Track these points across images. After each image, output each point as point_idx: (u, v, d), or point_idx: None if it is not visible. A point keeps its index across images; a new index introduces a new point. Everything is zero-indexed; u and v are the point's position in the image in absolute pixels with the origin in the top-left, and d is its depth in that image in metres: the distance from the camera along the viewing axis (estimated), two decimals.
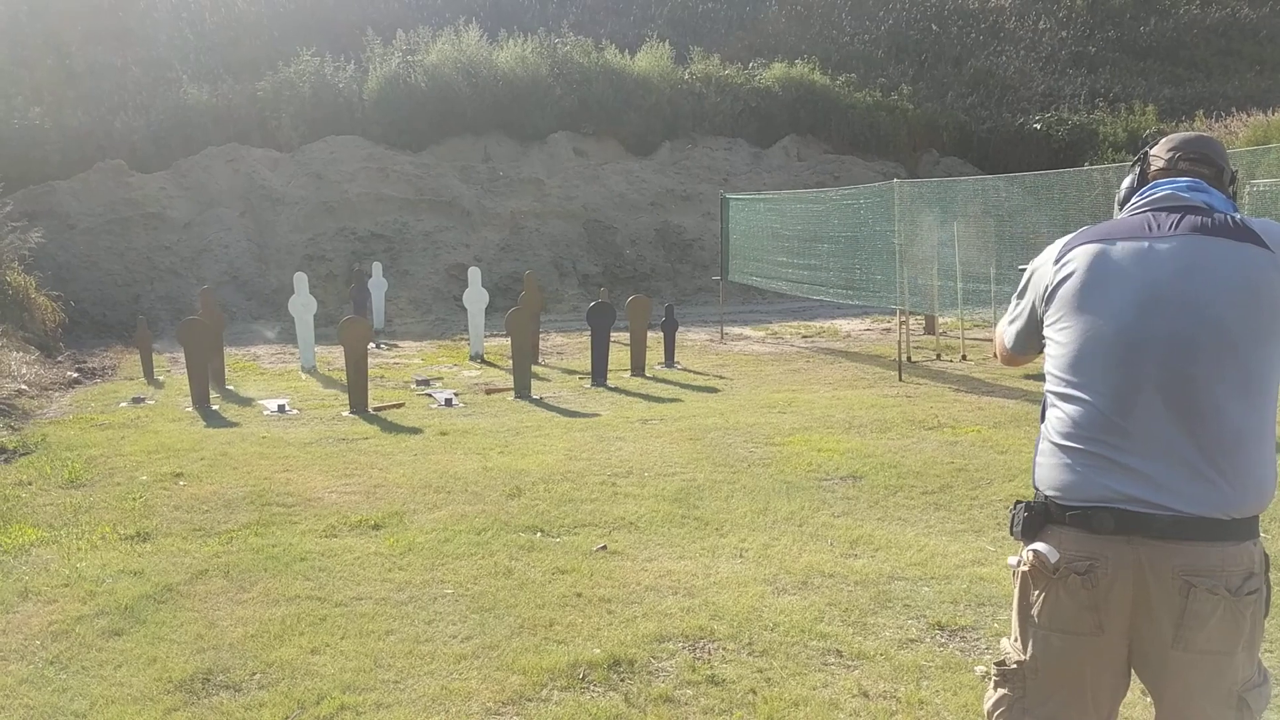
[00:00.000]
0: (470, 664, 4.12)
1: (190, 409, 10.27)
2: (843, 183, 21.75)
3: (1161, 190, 2.32)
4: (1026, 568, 2.26)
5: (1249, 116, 25.07)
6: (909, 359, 12.16)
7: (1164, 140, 2.43)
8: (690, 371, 12.50)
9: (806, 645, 4.26)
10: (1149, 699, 2.33)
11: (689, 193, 23.32)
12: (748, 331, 16.48)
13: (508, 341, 14.47)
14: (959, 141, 26.39)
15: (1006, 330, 2.59)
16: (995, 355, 2.69)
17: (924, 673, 3.99)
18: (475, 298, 14.00)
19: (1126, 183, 2.44)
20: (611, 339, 15.53)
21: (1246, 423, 2.10)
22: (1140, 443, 2.13)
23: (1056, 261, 2.34)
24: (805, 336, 15.82)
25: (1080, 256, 2.30)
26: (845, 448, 7.76)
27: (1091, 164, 20.95)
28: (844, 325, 17.00)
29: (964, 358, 12.73)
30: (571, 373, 12.58)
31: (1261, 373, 2.11)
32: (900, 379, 11.24)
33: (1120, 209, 2.43)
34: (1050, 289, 2.34)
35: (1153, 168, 2.39)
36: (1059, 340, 2.30)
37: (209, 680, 4.02)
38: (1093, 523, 2.15)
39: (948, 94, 27.65)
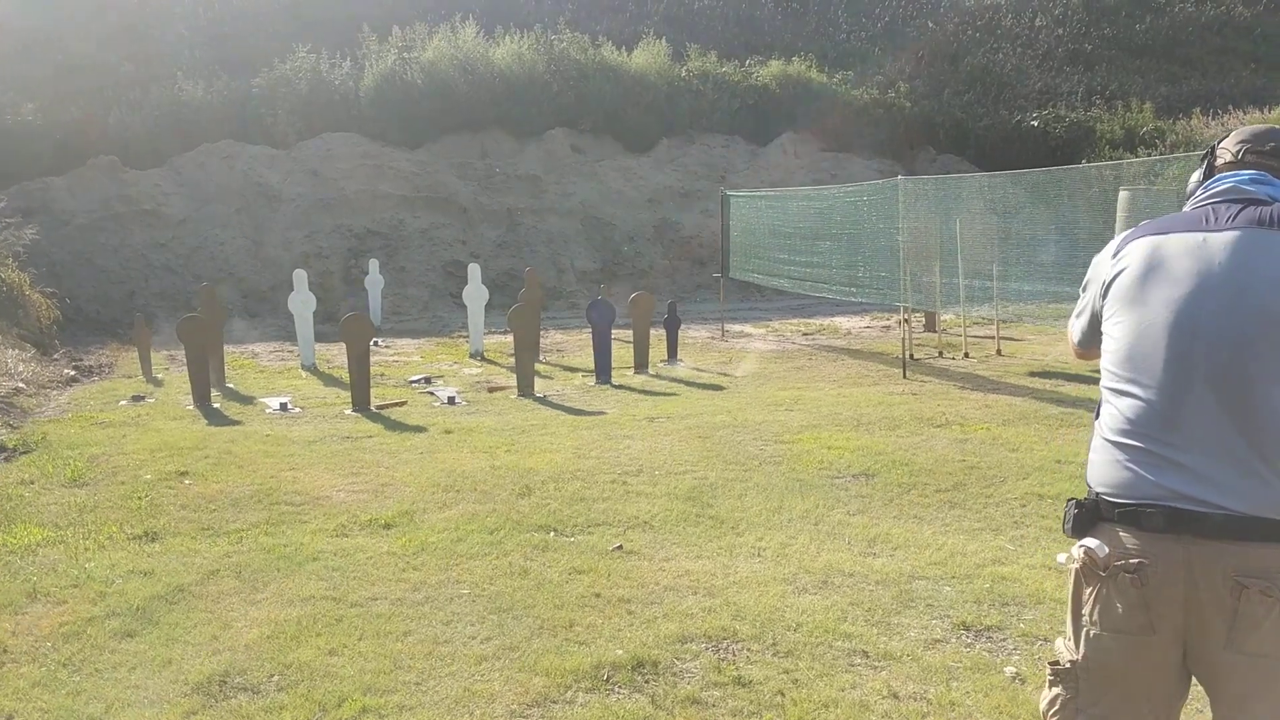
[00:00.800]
0: (492, 665, 4.06)
1: (191, 407, 10.19)
2: (840, 180, 21.70)
3: (1224, 183, 2.28)
4: (1077, 565, 2.22)
5: (1245, 114, 25.10)
6: (912, 356, 12.11)
7: (1233, 134, 2.38)
8: (694, 369, 12.43)
9: (831, 646, 4.20)
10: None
11: (687, 190, 23.25)
12: (749, 329, 16.43)
13: (506, 339, 14.44)
14: (956, 139, 26.32)
15: (1073, 325, 2.55)
16: (1070, 349, 2.65)
17: (953, 674, 3.94)
18: (475, 294, 13.92)
19: (1195, 177, 2.40)
20: (612, 336, 15.50)
21: None
22: (1192, 439, 2.09)
23: (1115, 255, 2.32)
24: (806, 334, 15.77)
25: (1136, 250, 2.27)
26: (855, 445, 7.71)
27: (1089, 161, 20.95)
28: (844, 323, 16.96)
29: (966, 355, 12.68)
30: (573, 370, 12.52)
31: None
32: (905, 376, 11.19)
33: (1188, 203, 2.38)
34: (1107, 284, 2.32)
35: (1220, 161, 2.35)
36: (1113, 335, 2.27)
37: (226, 682, 3.95)
38: (1142, 521, 2.11)
39: (944, 91, 27.59)
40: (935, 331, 14.55)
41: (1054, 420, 8.55)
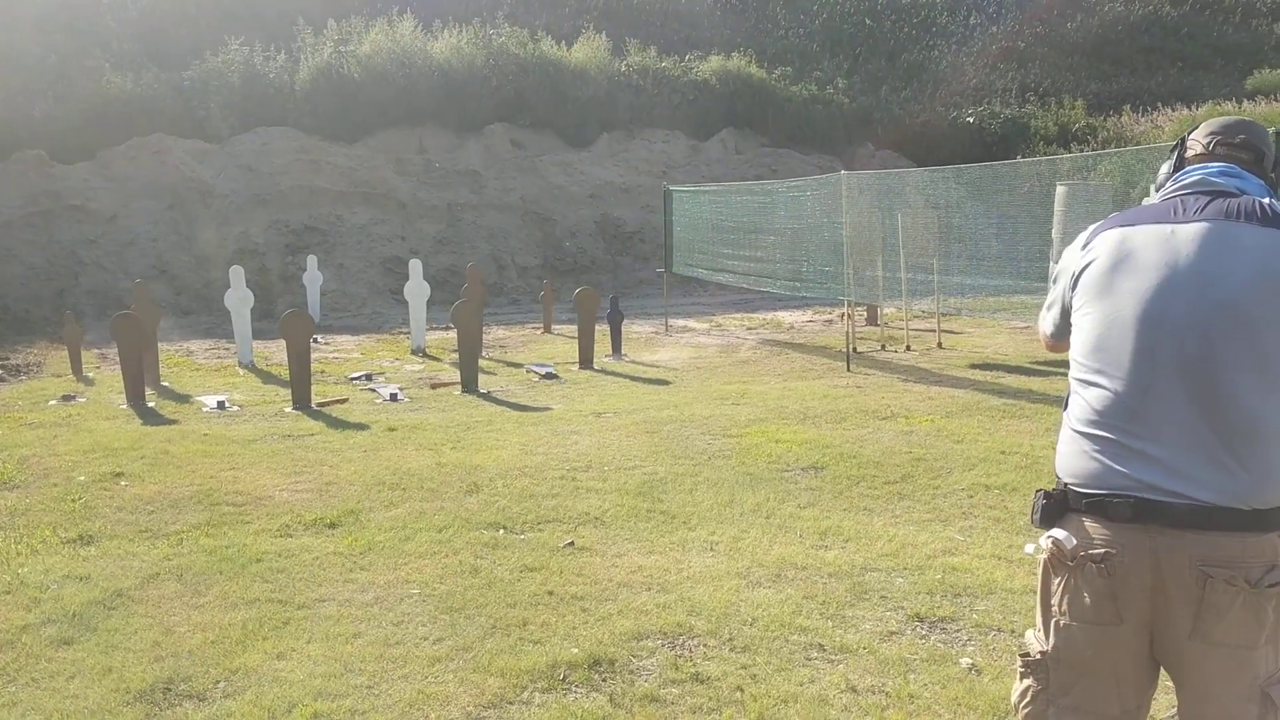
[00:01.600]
0: (445, 666, 3.98)
1: (125, 406, 9.92)
2: (780, 175, 21.81)
3: (1192, 175, 2.29)
4: (1045, 555, 2.23)
5: (1174, 111, 25.67)
6: (855, 350, 12.19)
7: (1204, 125, 2.39)
8: (638, 364, 12.39)
9: (788, 640, 4.19)
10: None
11: (628, 185, 23.20)
12: (692, 323, 16.43)
13: (448, 335, 14.29)
14: (893, 134, 26.59)
15: (1044, 318, 2.55)
16: (1042, 341, 2.64)
17: (910, 666, 3.94)
18: (417, 290, 13.75)
19: (1165, 169, 2.41)
20: (555, 331, 15.42)
21: (1265, 411, 2.05)
22: (1158, 429, 2.09)
23: (1084, 247, 2.32)
24: (750, 328, 15.81)
25: (1104, 242, 2.27)
26: (803, 439, 7.72)
27: (1024, 156, 21.26)
28: (787, 317, 17.03)
29: (908, 348, 12.80)
30: (516, 366, 12.41)
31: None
32: (849, 370, 11.25)
33: (1156, 194, 2.39)
34: (1076, 275, 2.32)
35: (1190, 153, 2.36)
36: (1081, 326, 2.27)
37: (170, 690, 3.83)
38: (1109, 511, 2.12)
39: (882, 88, 27.86)
40: (878, 325, 14.67)
41: (996, 412, 8.64)
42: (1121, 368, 2.15)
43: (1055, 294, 2.46)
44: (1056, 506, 2.23)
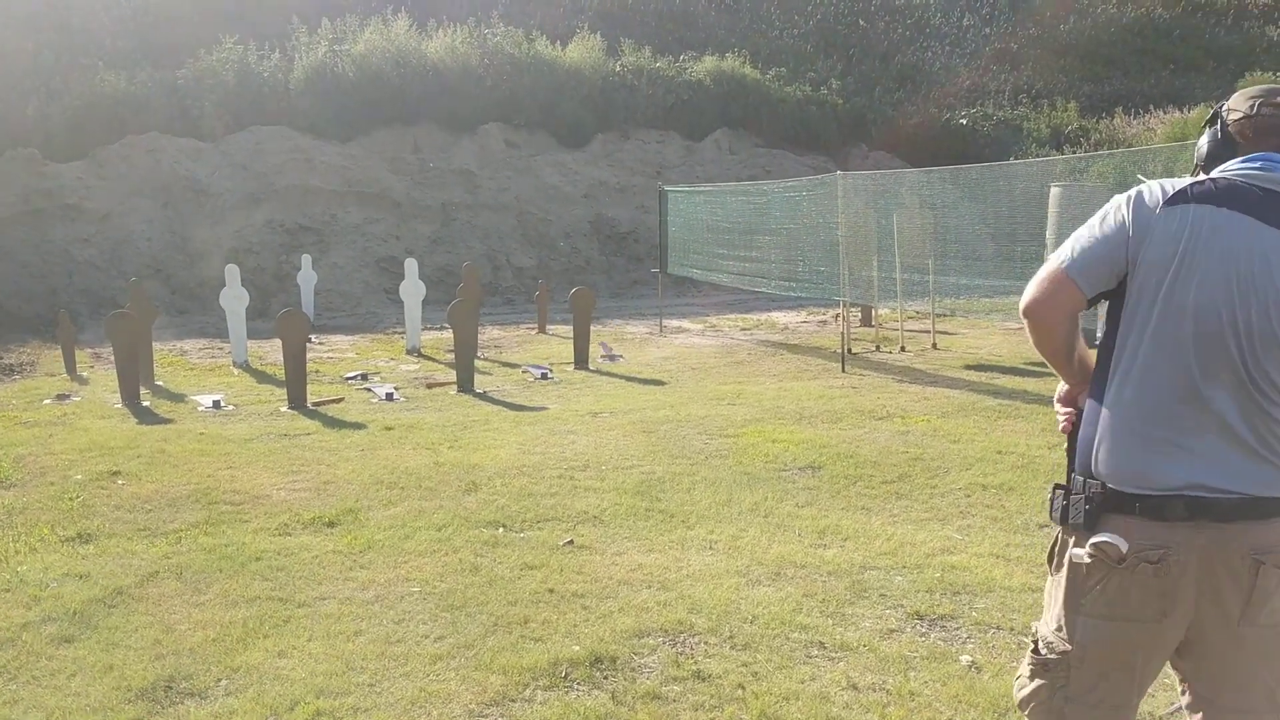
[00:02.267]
0: (447, 664, 3.99)
1: (120, 405, 9.91)
2: (774, 176, 21.83)
3: (1278, 171, 2.15)
4: (1088, 560, 2.18)
5: (1165, 113, 25.76)
6: (850, 350, 12.22)
7: (1237, 94, 2.29)
8: (634, 364, 12.40)
9: (788, 638, 4.20)
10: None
11: (623, 185, 23.22)
12: (686, 324, 16.44)
13: (443, 335, 14.29)
14: (887, 136, 26.64)
15: (1066, 256, 2.24)
16: (1022, 301, 2.34)
17: (910, 663, 3.95)
18: (412, 290, 13.75)
19: (1205, 139, 2.29)
20: (550, 332, 15.43)
21: None
22: (1209, 426, 2.11)
23: (1168, 204, 2.15)
24: (744, 329, 15.83)
25: (1193, 218, 2.13)
26: (800, 439, 7.74)
27: (1017, 158, 21.31)
28: (780, 318, 17.05)
29: (903, 349, 12.82)
30: (512, 366, 12.41)
31: None
32: (844, 370, 11.28)
33: (1204, 166, 2.28)
34: (1147, 241, 2.14)
35: (1233, 118, 2.24)
36: (1134, 310, 2.16)
37: (171, 688, 3.83)
38: (1165, 511, 2.11)
39: (875, 89, 27.92)
40: (872, 326, 14.70)
41: (992, 412, 8.67)
42: (1181, 359, 2.11)
43: (1097, 235, 2.23)
44: (1098, 508, 2.19)
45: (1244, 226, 2.11)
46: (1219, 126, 2.27)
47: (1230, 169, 2.20)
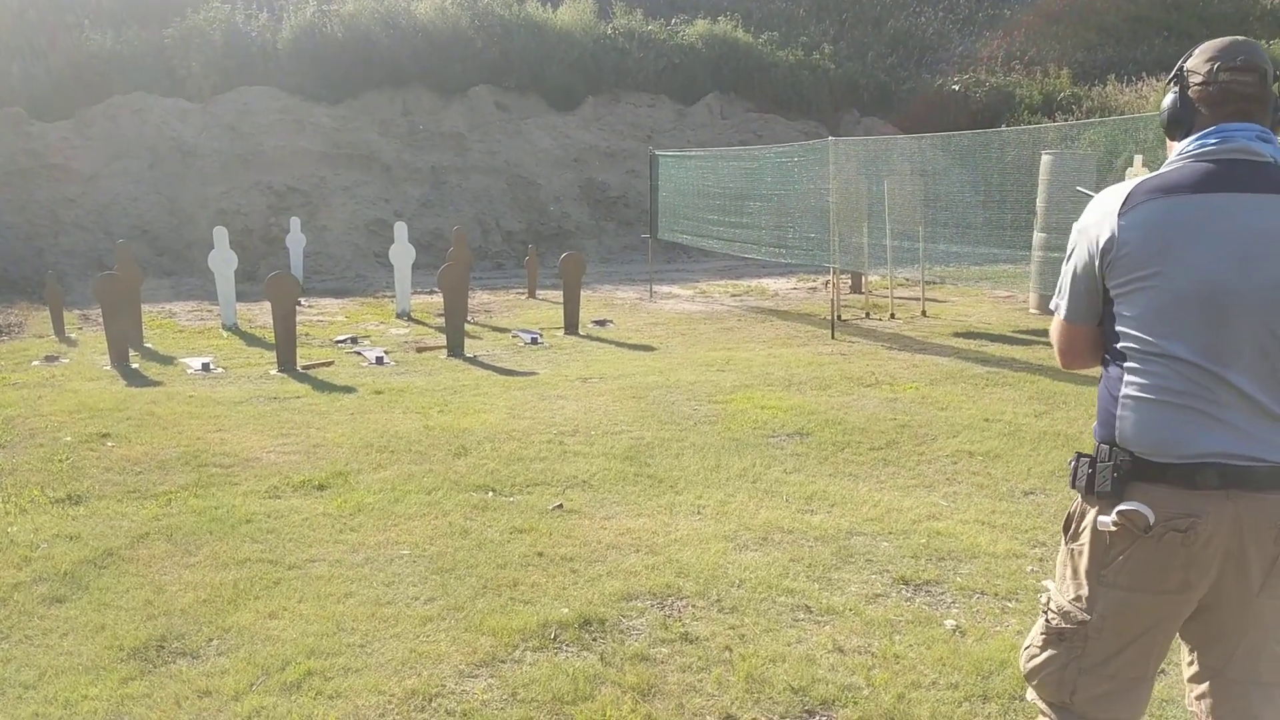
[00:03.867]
0: (437, 625, 4.03)
1: (109, 367, 9.88)
2: (765, 141, 21.75)
3: (1234, 141, 2.18)
4: (1114, 529, 2.19)
5: (1158, 80, 25.67)
6: (839, 317, 12.24)
7: (1198, 50, 2.27)
8: (623, 330, 12.40)
9: (775, 601, 4.25)
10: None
11: (613, 149, 23.10)
12: (676, 290, 16.44)
13: (433, 299, 14.27)
14: (879, 101, 26.53)
15: (1059, 307, 2.41)
16: (1059, 357, 2.50)
17: (895, 627, 4.00)
18: (402, 253, 13.70)
19: (1168, 102, 2.30)
20: (540, 296, 15.41)
21: None
22: (1235, 397, 2.11)
23: (1122, 214, 2.21)
24: (734, 295, 15.84)
25: (1152, 213, 2.18)
26: (788, 405, 7.77)
27: (1009, 125, 21.27)
28: (771, 284, 17.06)
29: (893, 316, 12.85)
30: (502, 330, 12.40)
31: None
32: (833, 337, 11.30)
33: (1168, 130, 2.31)
34: (1116, 243, 2.21)
35: (1193, 84, 2.25)
36: (1138, 298, 2.19)
37: (163, 647, 3.86)
38: (1197, 479, 2.12)
39: (868, 54, 27.75)
40: (862, 293, 14.72)
41: (980, 380, 8.71)
42: (1194, 338, 2.13)
43: (1071, 269, 2.35)
44: (1126, 477, 2.19)
45: (1220, 204, 2.14)
46: (1180, 91, 2.28)
47: (1189, 151, 2.23)
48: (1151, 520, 2.14)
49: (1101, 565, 2.24)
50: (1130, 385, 2.22)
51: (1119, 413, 2.22)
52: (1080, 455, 2.28)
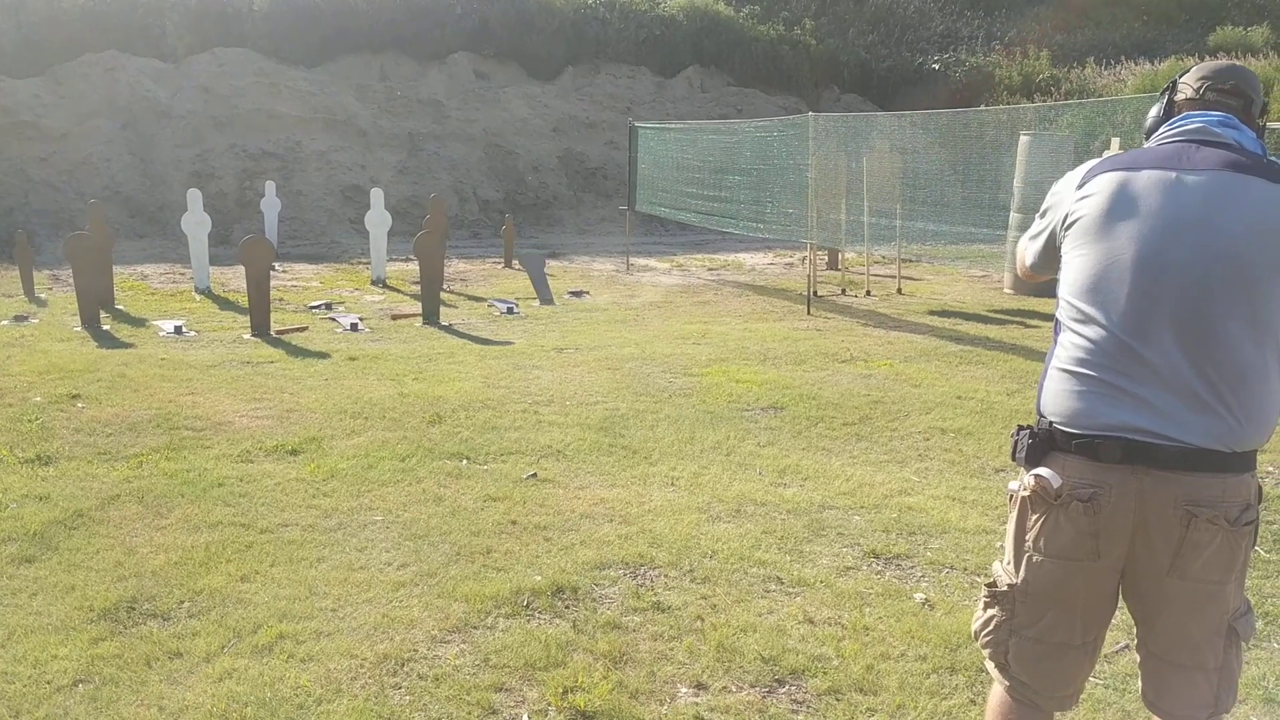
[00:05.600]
0: (410, 591, 4.03)
1: (79, 329, 9.78)
2: (745, 115, 21.69)
3: (1194, 122, 2.29)
4: (1027, 493, 2.26)
5: (1136, 64, 25.80)
6: (815, 293, 12.27)
7: (1194, 69, 2.40)
8: (600, 302, 12.39)
9: (747, 572, 4.28)
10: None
11: (592, 120, 22.98)
12: (653, 263, 16.42)
13: (408, 267, 14.19)
14: (859, 78, 26.54)
15: (1029, 246, 2.55)
16: (1017, 267, 2.70)
17: (865, 600, 4.04)
18: (378, 220, 13.60)
19: (1154, 112, 2.42)
20: (515, 267, 15.35)
21: (1254, 359, 2.12)
22: (1150, 373, 2.14)
23: (1079, 187, 2.32)
24: (711, 269, 15.84)
25: (1104, 183, 2.27)
26: (763, 379, 7.80)
27: (988, 105, 21.32)
28: (748, 259, 17.06)
29: (868, 293, 12.90)
30: (478, 299, 12.36)
31: (1270, 311, 2.12)
32: (809, 313, 11.34)
33: (1147, 138, 2.41)
34: (1070, 215, 2.32)
35: (1181, 96, 2.37)
36: (1075, 267, 2.28)
37: (134, 609, 3.85)
38: (1100, 452, 2.16)
39: (849, 31, 27.74)
40: (838, 269, 14.76)
41: (953, 358, 8.77)
42: (1117, 310, 2.18)
43: (1043, 226, 2.47)
44: (1042, 445, 2.26)
45: (1171, 180, 2.21)
46: (1167, 101, 2.40)
47: (1159, 134, 2.36)
48: (1056, 487, 2.19)
49: (1024, 531, 2.31)
50: (1057, 356, 2.30)
51: (1043, 383, 2.32)
52: (1020, 426, 2.34)
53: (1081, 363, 2.22)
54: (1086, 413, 2.19)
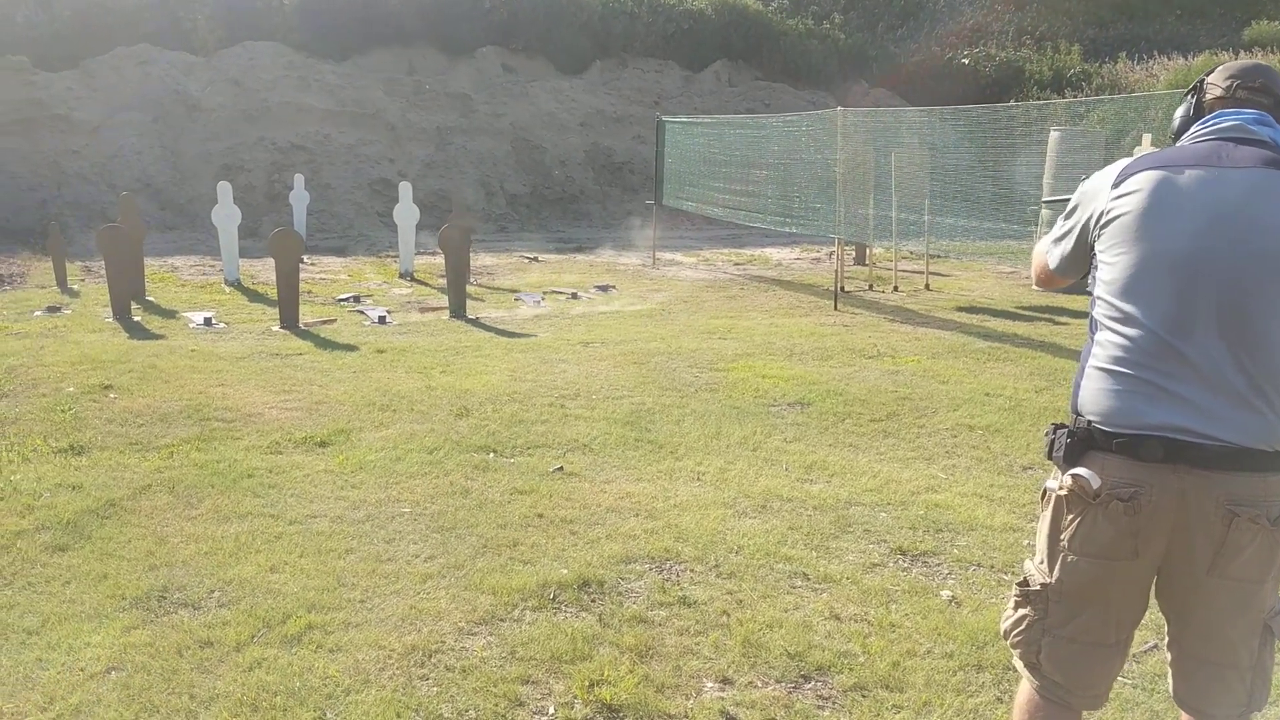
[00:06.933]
0: (437, 583, 4.05)
1: (111, 319, 9.89)
2: (773, 109, 21.64)
3: (1228, 120, 2.27)
4: (1064, 492, 2.24)
5: (1169, 59, 25.54)
6: (842, 289, 12.23)
7: (1220, 69, 2.38)
8: (626, 296, 12.40)
9: (773, 568, 4.27)
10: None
11: (620, 114, 22.99)
12: (679, 257, 16.41)
13: (435, 260, 14.25)
14: (888, 73, 26.41)
15: (1051, 250, 2.52)
16: (1032, 276, 2.63)
17: (891, 596, 4.03)
18: (406, 213, 13.66)
19: (1181, 111, 2.40)
20: (540, 260, 15.39)
21: None
22: (1192, 371, 2.12)
23: (1115, 185, 2.28)
24: (737, 264, 15.82)
25: (1144, 180, 2.24)
26: (789, 374, 7.79)
27: (1018, 100, 21.16)
28: (774, 254, 17.03)
29: (895, 289, 12.84)
30: (504, 293, 12.40)
31: None
32: (836, 308, 11.30)
33: (1176, 138, 2.38)
34: (1106, 214, 2.28)
35: (1209, 96, 2.35)
36: (1115, 264, 2.24)
37: (165, 598, 3.89)
38: (1141, 451, 2.14)
39: (878, 25, 27.61)
40: (865, 265, 14.70)
41: (981, 354, 8.72)
42: (1158, 308, 2.15)
43: (1070, 226, 2.42)
44: (1080, 444, 2.24)
45: (1211, 177, 2.18)
46: (1195, 100, 2.38)
47: (1192, 133, 2.33)
48: (1096, 486, 2.17)
49: (1059, 530, 2.28)
50: (1095, 355, 2.26)
51: (1081, 381, 2.28)
52: (1056, 425, 2.32)
53: (1121, 361, 2.19)
54: (1127, 411, 2.16)
